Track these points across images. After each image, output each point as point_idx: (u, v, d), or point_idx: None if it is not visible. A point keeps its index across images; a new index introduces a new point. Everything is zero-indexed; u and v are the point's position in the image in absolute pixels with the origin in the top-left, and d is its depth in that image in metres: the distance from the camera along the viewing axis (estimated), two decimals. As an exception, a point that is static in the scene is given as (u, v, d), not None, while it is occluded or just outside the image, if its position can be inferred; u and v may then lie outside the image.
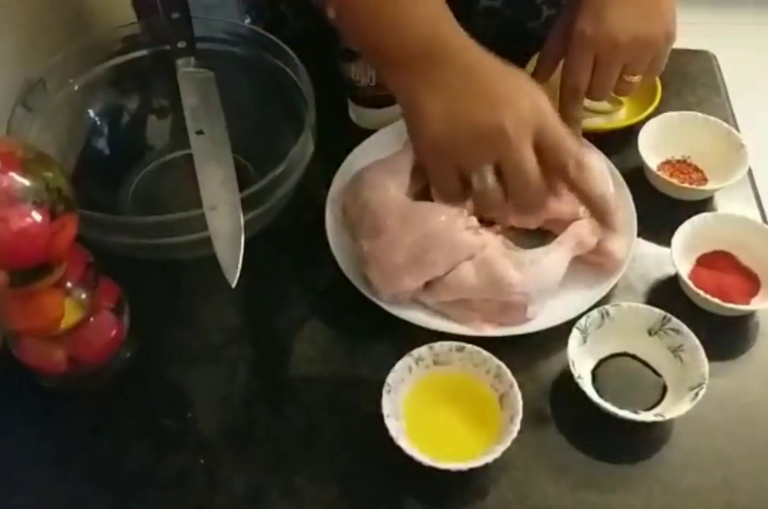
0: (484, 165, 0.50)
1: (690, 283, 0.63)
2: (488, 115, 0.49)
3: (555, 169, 0.50)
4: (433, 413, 0.58)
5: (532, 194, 0.51)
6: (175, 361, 0.63)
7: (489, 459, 0.53)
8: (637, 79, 0.67)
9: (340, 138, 0.74)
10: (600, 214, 0.53)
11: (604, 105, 0.79)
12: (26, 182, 0.47)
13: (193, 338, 0.64)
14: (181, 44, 0.66)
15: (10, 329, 0.58)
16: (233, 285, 0.57)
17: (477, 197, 0.52)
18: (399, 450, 0.54)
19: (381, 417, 0.55)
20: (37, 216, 0.47)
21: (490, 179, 0.50)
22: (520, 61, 0.63)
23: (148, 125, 0.76)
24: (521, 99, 0.50)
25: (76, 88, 0.69)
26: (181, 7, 0.66)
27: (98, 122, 0.73)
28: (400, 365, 0.58)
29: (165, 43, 0.68)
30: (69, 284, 0.54)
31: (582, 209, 0.65)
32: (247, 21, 0.98)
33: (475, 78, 0.51)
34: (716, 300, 0.62)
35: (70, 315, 0.55)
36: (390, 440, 0.54)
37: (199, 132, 0.63)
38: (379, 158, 0.72)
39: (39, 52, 0.67)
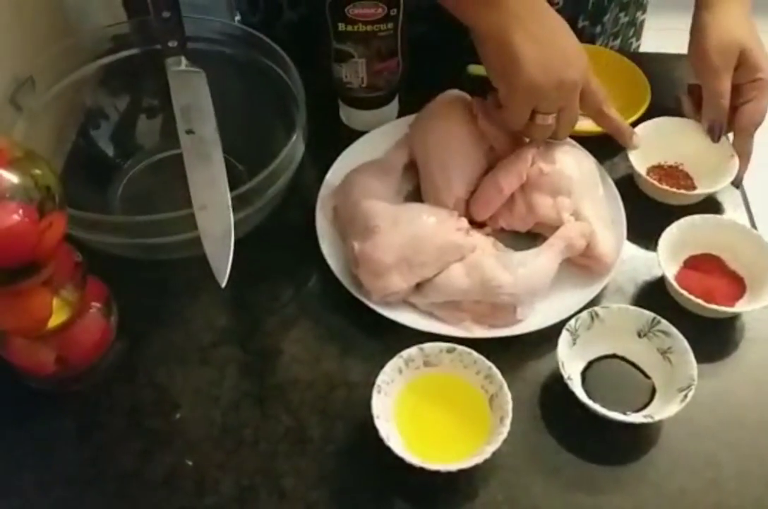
0: (552, 111, 0.64)
1: (674, 283, 0.64)
2: (571, 71, 0.62)
3: (592, 109, 0.68)
4: (423, 414, 0.58)
5: (570, 130, 0.68)
6: (163, 362, 0.62)
7: (479, 460, 0.53)
8: None
9: (330, 139, 0.74)
10: (626, 138, 0.71)
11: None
12: (14, 180, 0.46)
13: (181, 338, 0.64)
14: (171, 43, 0.66)
15: (-3, 329, 0.58)
16: (223, 285, 0.57)
17: (535, 130, 0.66)
18: (389, 451, 0.54)
19: (371, 418, 0.55)
20: (25, 214, 0.46)
21: (552, 119, 0.65)
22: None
23: (138, 125, 0.76)
24: (582, 58, 0.63)
25: (66, 86, 0.68)
26: (171, 6, 0.66)
27: (87, 121, 0.72)
28: (390, 366, 0.58)
29: (155, 42, 0.67)
30: (57, 284, 0.54)
31: (566, 215, 0.66)
32: (237, 18, 0.98)
33: (557, 33, 0.63)
34: (699, 301, 0.62)
35: (58, 315, 0.55)
36: (380, 441, 0.54)
37: (189, 131, 0.63)
38: (370, 160, 0.72)
39: (28, 51, 0.67)
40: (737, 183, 0.72)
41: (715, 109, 0.72)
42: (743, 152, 0.72)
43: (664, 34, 1.14)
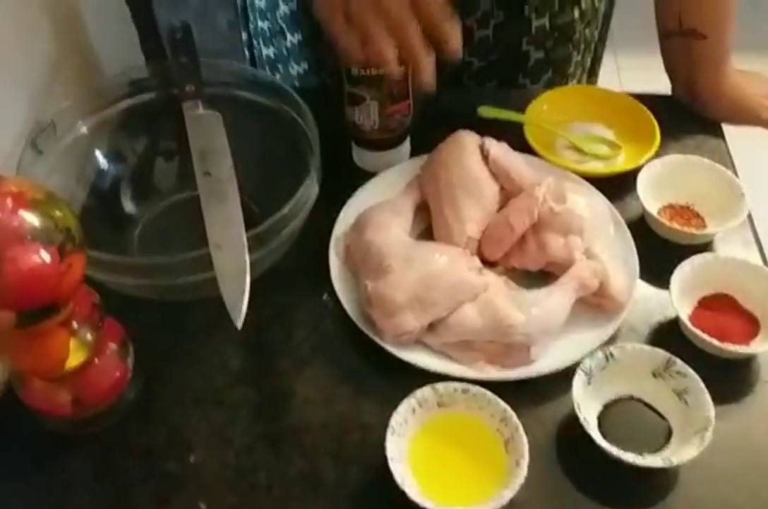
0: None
1: (688, 323, 0.64)
2: None
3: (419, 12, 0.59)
4: (439, 456, 0.57)
5: (397, 20, 0.59)
6: (178, 403, 0.62)
7: (496, 505, 0.53)
8: None
9: (343, 180, 0.74)
10: (445, 36, 0.59)
11: (603, 149, 0.80)
12: (36, 222, 0.47)
13: (196, 379, 0.64)
14: (189, 88, 0.67)
15: (15, 371, 0.58)
16: (239, 326, 0.57)
17: (357, 22, 0.59)
18: (403, 495, 0.53)
19: (385, 461, 0.54)
20: (46, 256, 0.47)
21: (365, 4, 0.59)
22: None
23: (156, 167, 0.77)
24: None
25: (85, 130, 0.70)
26: (189, 51, 0.68)
27: (106, 164, 0.73)
28: (404, 407, 0.57)
29: (173, 86, 0.68)
30: (75, 325, 0.54)
31: (578, 254, 0.66)
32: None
33: None
34: (713, 341, 0.62)
35: (75, 356, 0.55)
36: (394, 484, 0.53)
37: (207, 173, 0.64)
38: (382, 200, 0.73)
39: (51, 96, 0.68)
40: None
41: None
42: None
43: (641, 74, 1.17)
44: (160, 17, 0.92)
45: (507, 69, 0.89)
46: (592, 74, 1.01)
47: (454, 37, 0.60)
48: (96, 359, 0.57)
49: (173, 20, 0.68)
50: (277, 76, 0.98)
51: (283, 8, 0.88)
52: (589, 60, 0.96)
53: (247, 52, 1.01)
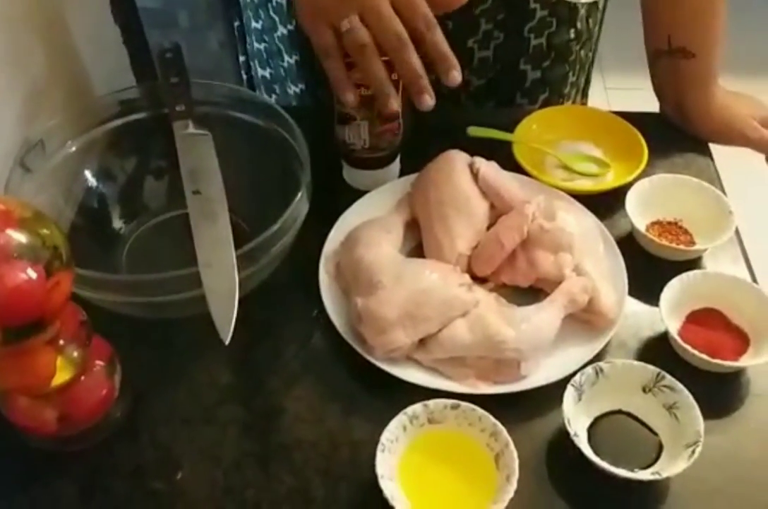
0: (349, 15, 0.59)
1: (678, 338, 0.64)
2: None
3: (407, 25, 0.59)
4: (429, 473, 0.57)
5: (394, 36, 0.59)
6: (165, 421, 0.62)
7: (486, 520, 0.52)
8: None
9: (334, 198, 0.75)
10: (445, 66, 0.61)
11: (591, 168, 0.81)
12: (23, 240, 0.47)
13: (184, 397, 0.64)
14: (179, 107, 0.67)
15: (0, 388, 0.58)
16: (226, 342, 0.57)
17: (347, 38, 0.60)
18: (394, 512, 0.53)
19: (375, 478, 0.54)
20: (32, 273, 0.47)
21: (355, 22, 0.59)
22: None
23: (145, 186, 0.77)
24: None
25: (74, 149, 0.70)
26: (179, 71, 0.68)
27: (95, 182, 0.74)
28: (394, 423, 0.57)
29: (163, 106, 0.69)
30: (62, 342, 0.54)
31: (568, 271, 0.66)
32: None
33: None
34: (703, 356, 0.62)
35: (62, 373, 0.54)
36: (385, 501, 0.53)
37: (196, 192, 0.64)
38: (373, 217, 0.73)
39: (40, 115, 0.69)
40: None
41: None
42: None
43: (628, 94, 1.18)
44: (151, 38, 0.93)
45: (505, 88, 0.90)
46: (585, 95, 1.02)
47: (455, 66, 0.61)
48: (83, 377, 0.57)
49: (163, 41, 0.69)
50: (273, 97, 0.98)
51: (281, 29, 0.89)
52: (583, 81, 0.97)
53: (244, 74, 1.02)
